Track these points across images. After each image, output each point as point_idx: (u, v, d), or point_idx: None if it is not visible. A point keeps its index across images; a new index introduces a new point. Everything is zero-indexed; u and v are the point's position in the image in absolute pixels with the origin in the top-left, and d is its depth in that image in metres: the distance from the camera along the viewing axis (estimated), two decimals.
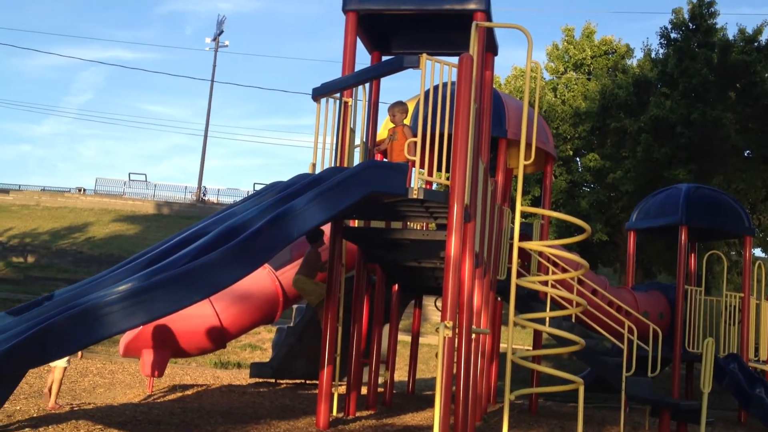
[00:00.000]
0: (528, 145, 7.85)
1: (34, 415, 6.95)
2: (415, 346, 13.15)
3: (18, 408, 7.65)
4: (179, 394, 10.38)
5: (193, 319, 10.19)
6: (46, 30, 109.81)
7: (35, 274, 28.82)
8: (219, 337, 10.73)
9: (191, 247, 5.68)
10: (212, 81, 50.10)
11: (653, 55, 25.13)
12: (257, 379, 12.61)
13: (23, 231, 36.04)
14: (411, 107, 10.74)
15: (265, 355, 18.00)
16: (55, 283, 24.98)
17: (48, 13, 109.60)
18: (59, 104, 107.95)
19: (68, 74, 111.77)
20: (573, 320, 11.79)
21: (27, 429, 6.12)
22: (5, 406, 5.00)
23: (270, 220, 5.72)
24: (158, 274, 5.26)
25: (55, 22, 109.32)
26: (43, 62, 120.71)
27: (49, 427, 6.21)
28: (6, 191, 44.06)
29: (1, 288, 26.00)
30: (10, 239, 34.48)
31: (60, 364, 8.95)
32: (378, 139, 9.19)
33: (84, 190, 45.91)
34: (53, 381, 8.97)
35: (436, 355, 12.71)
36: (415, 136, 7.07)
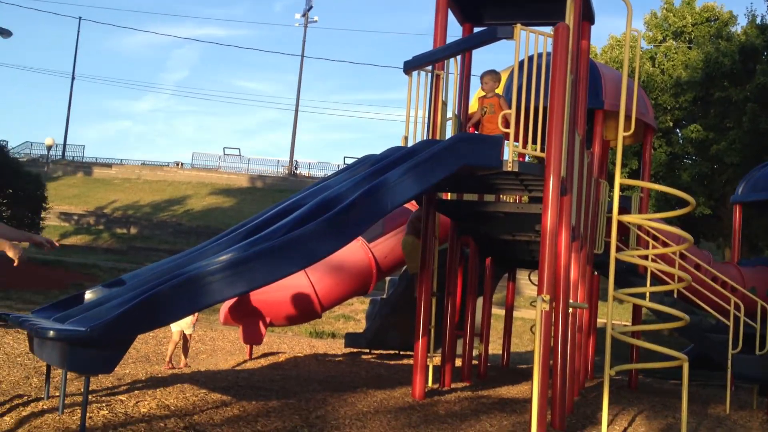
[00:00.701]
0: (627, 117, 7.64)
1: (142, 379, 7.26)
2: (509, 319, 13.08)
3: (127, 371, 8.01)
4: (277, 361, 10.65)
5: (290, 289, 10.41)
6: (143, 9, 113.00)
7: (138, 245, 30.03)
8: (314, 307, 10.94)
9: (288, 219, 5.79)
10: (302, 56, 50.71)
11: (758, 21, 24.01)
12: (351, 349, 12.80)
13: (125, 203, 37.48)
14: (504, 78, 10.59)
15: (359, 326, 18.27)
16: (157, 254, 25.96)
17: None
18: (156, 81, 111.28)
19: (164, 52, 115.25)
20: (675, 296, 11.49)
21: (136, 392, 6.41)
22: (115, 370, 5.24)
23: (364, 193, 5.76)
24: (257, 245, 5.39)
25: (150, 1, 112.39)
26: (141, 40, 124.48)
27: (157, 390, 6.48)
28: (109, 165, 45.86)
29: (107, 258, 27.20)
30: (114, 211, 35.93)
31: (177, 328, 10.14)
32: (470, 112, 9.11)
33: (182, 164, 47.33)
34: (175, 343, 10.29)
35: (531, 329, 12.60)
36: (509, 107, 6.98)
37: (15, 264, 4.96)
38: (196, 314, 10.25)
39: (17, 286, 17.01)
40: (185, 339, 10.58)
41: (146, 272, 5.94)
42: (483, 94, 7.63)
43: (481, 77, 7.53)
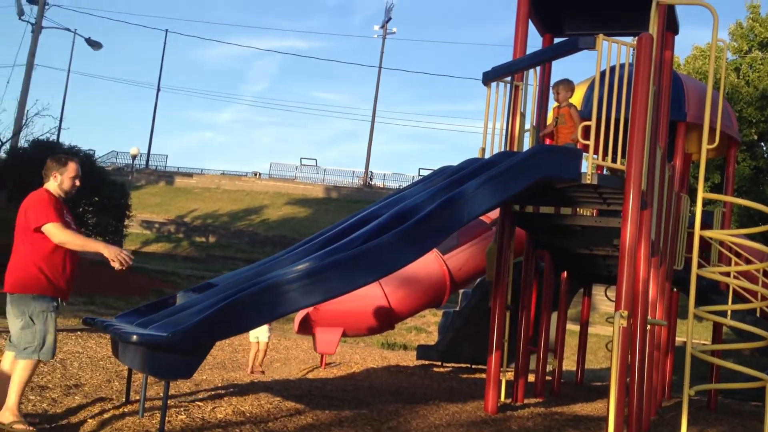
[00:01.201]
0: (711, 129, 7.44)
1: (219, 385, 7.39)
2: (583, 335, 12.85)
3: (204, 378, 8.17)
4: (350, 372, 10.70)
5: (364, 299, 10.46)
6: (227, 21, 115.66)
7: (216, 253, 30.62)
8: (387, 318, 10.96)
9: (364, 230, 5.83)
10: (380, 67, 50.94)
11: None
12: (423, 361, 12.77)
13: (205, 212, 38.30)
14: (583, 89, 10.45)
15: (430, 338, 18.22)
16: (234, 263, 26.43)
17: (226, 6, 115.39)
18: (237, 92, 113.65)
19: (245, 63, 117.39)
20: (758, 314, 11.10)
21: (212, 398, 6.53)
22: (193, 375, 5.35)
23: (441, 204, 5.76)
24: (333, 254, 5.43)
25: (233, 13, 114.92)
26: (223, 52, 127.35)
27: (233, 397, 6.59)
28: (190, 175, 46.96)
29: (185, 265, 27.81)
30: (194, 220, 36.77)
31: (254, 336, 10.60)
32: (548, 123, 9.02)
33: (259, 174, 48.09)
34: (256, 352, 10.70)
35: (607, 346, 12.34)
36: (583, 116, 6.87)
37: (117, 267, 5.16)
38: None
39: (100, 292, 17.56)
40: (261, 347, 10.77)
41: (225, 280, 6.06)
42: (557, 104, 7.53)
43: (554, 86, 7.42)
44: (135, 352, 4.87)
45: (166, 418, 5.38)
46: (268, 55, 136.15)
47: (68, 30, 30.31)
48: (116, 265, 5.14)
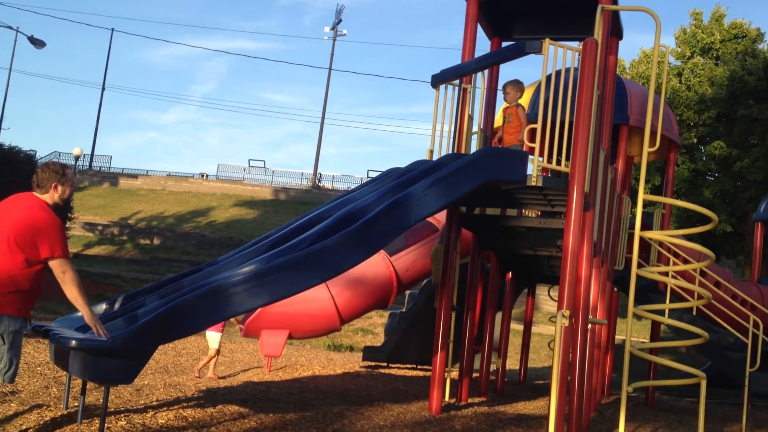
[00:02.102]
0: (652, 133, 7.60)
1: (161, 390, 7.28)
2: (527, 334, 13.00)
3: (146, 383, 8.04)
4: (296, 375, 10.65)
5: (310, 302, 10.42)
6: (174, 21, 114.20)
7: (161, 256, 30.17)
8: (334, 320, 10.93)
9: (311, 232, 5.81)
10: (330, 69, 50.83)
11: None
12: (369, 363, 12.78)
13: (150, 214, 37.73)
14: (529, 93, 10.58)
15: (377, 340, 18.24)
16: (179, 265, 26.10)
17: (176, 5, 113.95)
18: (184, 93, 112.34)
19: (194, 64, 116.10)
20: (694, 313, 11.38)
21: (154, 403, 6.43)
22: (135, 380, 5.26)
23: (388, 206, 5.77)
24: (280, 257, 5.40)
25: (183, 14, 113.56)
26: (171, 52, 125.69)
27: (175, 401, 6.50)
28: (135, 176, 46.23)
29: (129, 268, 27.35)
30: (139, 222, 36.19)
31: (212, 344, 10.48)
32: (495, 126, 9.11)
33: (207, 175, 47.58)
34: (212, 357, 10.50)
35: (549, 345, 12.50)
36: (530, 119, 6.95)
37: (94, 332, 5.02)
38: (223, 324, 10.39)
39: (39, 296, 17.14)
40: (210, 353, 10.64)
41: (169, 282, 5.97)
42: (506, 105, 7.59)
43: (503, 87, 7.49)
44: (74, 357, 4.77)
45: (106, 425, 5.29)
46: (217, 55, 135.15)
47: (10, 28, 29.59)
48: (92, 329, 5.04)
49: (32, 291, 4.98)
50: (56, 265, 4.90)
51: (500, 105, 9.00)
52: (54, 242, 4.88)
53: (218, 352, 10.67)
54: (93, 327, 4.99)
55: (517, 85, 7.42)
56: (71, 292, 4.94)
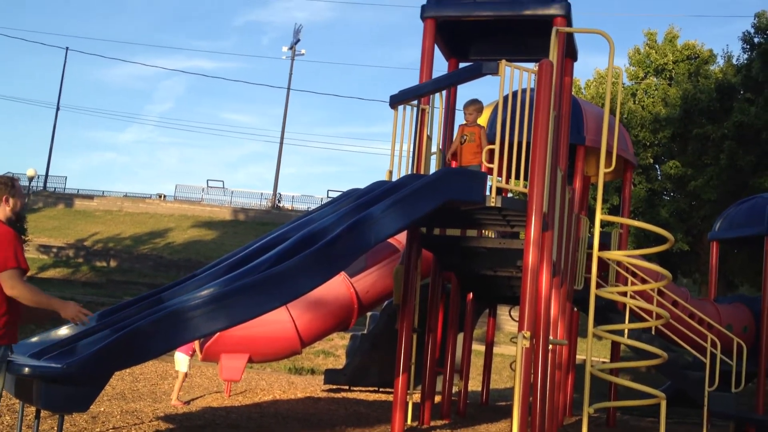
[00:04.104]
0: (608, 153, 7.70)
1: (117, 416, 7.13)
2: (489, 355, 13.02)
3: (102, 410, 7.86)
4: (256, 399, 10.51)
5: (270, 324, 10.30)
6: (131, 40, 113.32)
7: (117, 278, 29.68)
8: (295, 343, 10.82)
9: (270, 254, 5.75)
10: (288, 89, 50.76)
11: (734, 61, 24.46)
12: (330, 386, 12.68)
13: (106, 236, 37.16)
14: (487, 113, 10.66)
15: (339, 362, 18.12)
16: (136, 287, 25.70)
17: (132, 25, 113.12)
18: (141, 112, 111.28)
19: (151, 84, 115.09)
20: (653, 332, 11.49)
21: (111, 430, 6.29)
22: (90, 407, 5.13)
23: (348, 227, 5.74)
24: (238, 279, 5.34)
25: (139, 33, 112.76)
26: (128, 71, 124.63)
27: (132, 428, 6.37)
28: (90, 197, 45.53)
29: (84, 291, 26.85)
30: (95, 244, 35.60)
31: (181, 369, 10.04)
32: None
33: (164, 196, 47.05)
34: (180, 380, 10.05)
35: (511, 366, 12.51)
36: (491, 141, 7.00)
37: (78, 321, 4.79)
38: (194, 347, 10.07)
39: None
40: (180, 377, 10.36)
41: (124, 307, 5.86)
42: (464, 123, 7.62)
43: (465, 107, 7.53)
44: (27, 384, 4.64)
45: None
46: (175, 75, 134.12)
47: None
48: (75, 321, 4.78)
49: (12, 317, 4.71)
50: (4, 279, 4.65)
51: (458, 125, 9.06)
52: (8, 253, 4.67)
53: (186, 375, 10.41)
54: (75, 317, 4.72)
55: (478, 105, 7.49)
56: (28, 299, 4.68)
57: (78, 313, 4.75)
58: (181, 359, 10.20)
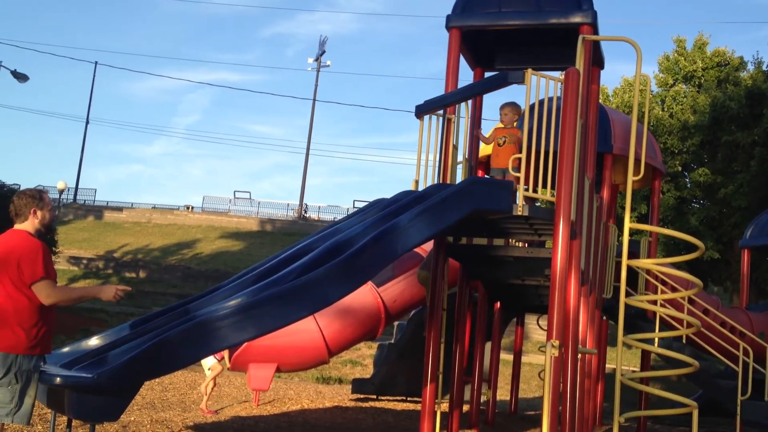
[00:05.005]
0: (636, 161, 7.64)
1: (147, 426, 7.18)
2: (517, 364, 12.96)
3: (132, 419, 7.93)
4: (284, 409, 10.53)
5: (298, 334, 10.33)
6: (157, 54, 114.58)
7: (146, 289, 29.91)
8: (322, 353, 10.84)
9: (298, 264, 5.78)
10: (314, 100, 50.97)
11: (765, 67, 24.19)
12: (358, 395, 12.68)
13: (135, 247, 37.51)
14: None
15: (366, 371, 18.12)
16: (165, 298, 25.90)
17: (158, 38, 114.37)
18: (168, 125, 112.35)
19: (177, 96, 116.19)
20: (684, 341, 11.37)
21: None
22: (121, 417, 5.18)
23: (374, 237, 5.75)
24: (266, 289, 5.37)
25: (165, 46, 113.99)
26: (154, 85, 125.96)
27: None
28: (120, 209, 46.00)
29: (114, 303, 27.04)
30: (124, 255, 35.94)
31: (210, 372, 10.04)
32: (481, 155, 9.13)
33: (192, 207, 47.40)
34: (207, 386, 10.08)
35: (539, 375, 12.43)
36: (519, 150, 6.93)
37: (118, 298, 4.99)
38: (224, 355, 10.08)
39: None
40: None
41: (153, 317, 5.91)
42: (501, 125, 7.55)
43: (501, 108, 7.46)
44: (59, 394, 4.69)
45: None
46: (201, 87, 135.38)
47: None
48: (116, 299, 4.99)
49: (45, 328, 4.79)
50: (38, 291, 4.72)
51: (486, 133, 9.05)
52: (37, 266, 4.74)
53: (216, 377, 10.42)
54: (115, 295, 4.93)
55: (515, 107, 7.39)
56: (69, 299, 4.93)
57: (116, 291, 4.94)
58: (207, 360, 10.09)
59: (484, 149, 10.04)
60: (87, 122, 51.87)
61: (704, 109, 23.43)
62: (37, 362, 4.74)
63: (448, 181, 7.55)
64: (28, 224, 4.95)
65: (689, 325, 8.00)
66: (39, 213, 4.98)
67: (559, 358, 6.46)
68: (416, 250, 10.81)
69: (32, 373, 4.70)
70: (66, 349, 5.70)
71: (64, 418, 5.69)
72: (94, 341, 5.83)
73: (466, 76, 8.49)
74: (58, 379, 4.61)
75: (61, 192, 38.64)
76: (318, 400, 11.74)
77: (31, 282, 4.72)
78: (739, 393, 10.18)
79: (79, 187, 50.55)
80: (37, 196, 5.01)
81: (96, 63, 53.70)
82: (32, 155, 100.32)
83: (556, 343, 6.35)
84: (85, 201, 49.03)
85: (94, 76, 55.30)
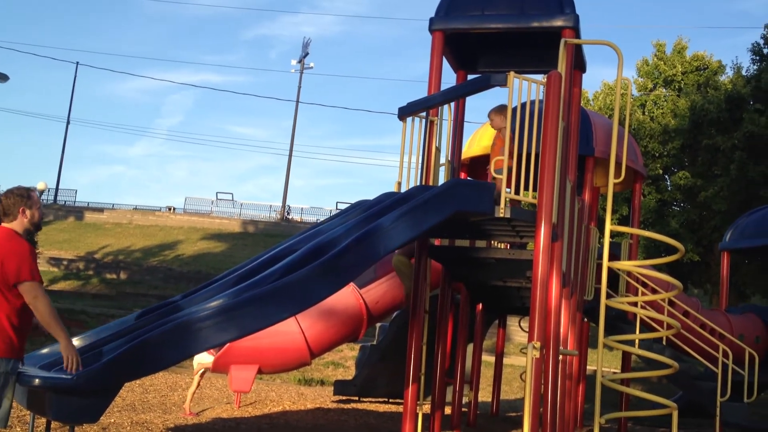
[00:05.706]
0: (617, 164, 7.69)
1: (127, 427, 7.14)
2: (499, 366, 12.99)
3: (112, 421, 7.88)
4: (266, 410, 10.51)
5: (280, 335, 10.30)
6: (140, 55, 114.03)
7: (127, 291, 29.76)
8: (304, 354, 10.81)
9: (279, 265, 5.77)
10: (297, 102, 50.91)
11: (744, 72, 24.44)
12: (340, 397, 12.66)
13: (117, 248, 37.29)
14: None
15: (348, 373, 18.10)
16: (146, 299, 25.75)
17: (141, 39, 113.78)
18: (150, 126, 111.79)
19: (159, 97, 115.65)
20: (664, 343, 11.45)
21: None
22: (101, 419, 5.15)
23: (357, 238, 5.75)
24: (248, 290, 5.36)
25: (148, 47, 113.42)
26: (137, 86, 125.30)
27: None
28: (101, 210, 45.72)
29: (95, 303, 26.94)
30: (105, 256, 35.72)
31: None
32: (463, 157, 9.15)
33: (174, 209, 47.19)
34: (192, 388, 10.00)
35: (521, 377, 12.48)
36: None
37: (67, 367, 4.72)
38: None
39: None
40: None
41: (134, 319, 5.88)
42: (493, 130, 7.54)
43: (489, 114, 7.49)
44: (38, 396, 4.66)
45: None
46: (184, 88, 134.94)
47: None
48: (66, 364, 4.70)
49: (22, 330, 4.72)
50: (25, 292, 4.66)
51: (466, 137, 9.07)
52: (23, 266, 4.66)
53: (198, 384, 10.32)
54: (67, 357, 4.67)
55: (495, 108, 7.44)
56: (43, 317, 4.69)
57: (73, 359, 4.67)
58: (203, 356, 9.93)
59: (467, 152, 10.09)
60: (68, 122, 51.52)
61: (684, 113, 23.63)
62: (14, 365, 4.68)
63: (431, 183, 7.57)
64: (17, 223, 4.87)
65: (669, 326, 8.04)
66: (28, 212, 4.91)
67: (541, 360, 6.48)
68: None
69: (10, 376, 4.64)
70: (45, 351, 5.65)
71: (44, 420, 5.64)
72: (74, 342, 5.78)
73: (449, 78, 8.54)
74: (37, 380, 4.58)
75: (41, 193, 38.29)
76: (300, 402, 11.72)
77: (15, 282, 4.65)
78: (718, 394, 10.27)
79: (59, 187, 50.20)
80: (25, 194, 4.93)
81: (77, 63, 53.36)
82: (12, 156, 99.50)
83: (538, 344, 6.38)
84: (65, 202, 48.68)
85: (75, 76, 54.95)
